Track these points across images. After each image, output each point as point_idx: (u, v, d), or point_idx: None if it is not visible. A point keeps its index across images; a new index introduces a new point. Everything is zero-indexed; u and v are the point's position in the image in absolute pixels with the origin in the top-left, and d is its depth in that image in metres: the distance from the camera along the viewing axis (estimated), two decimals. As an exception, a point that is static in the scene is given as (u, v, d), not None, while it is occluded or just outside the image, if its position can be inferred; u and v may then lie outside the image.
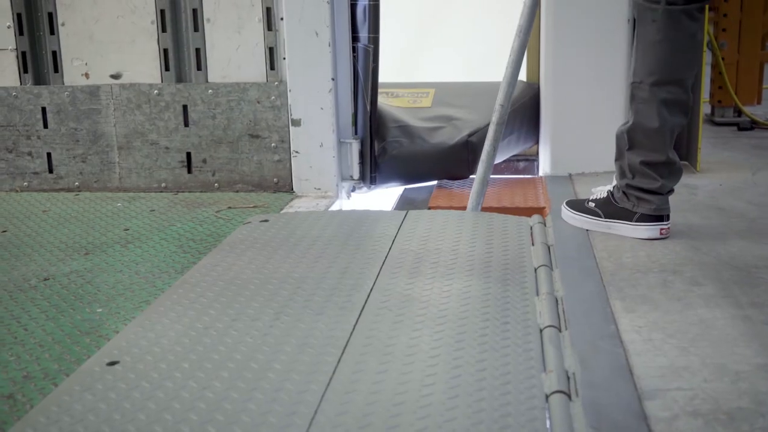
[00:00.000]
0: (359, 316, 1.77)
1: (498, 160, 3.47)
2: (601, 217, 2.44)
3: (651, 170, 2.32)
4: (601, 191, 2.50)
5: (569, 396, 1.45)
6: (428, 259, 2.13)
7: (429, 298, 1.86)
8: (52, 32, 3.16)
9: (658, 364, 1.60)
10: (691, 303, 1.91)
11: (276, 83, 3.01)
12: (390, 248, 2.23)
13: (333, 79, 2.90)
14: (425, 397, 1.40)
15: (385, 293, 1.89)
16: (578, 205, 2.52)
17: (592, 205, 2.47)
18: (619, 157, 2.41)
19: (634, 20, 2.36)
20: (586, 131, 3.35)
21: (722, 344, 1.68)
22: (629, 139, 2.35)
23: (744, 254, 2.23)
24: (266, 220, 2.49)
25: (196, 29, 3.08)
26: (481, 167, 2.62)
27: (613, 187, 2.44)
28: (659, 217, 2.35)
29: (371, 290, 1.91)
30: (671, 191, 2.38)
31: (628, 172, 2.37)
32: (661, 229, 2.35)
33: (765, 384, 1.50)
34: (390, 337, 1.65)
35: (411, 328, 1.69)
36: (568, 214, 2.54)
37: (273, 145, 3.04)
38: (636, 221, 2.36)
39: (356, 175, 3.03)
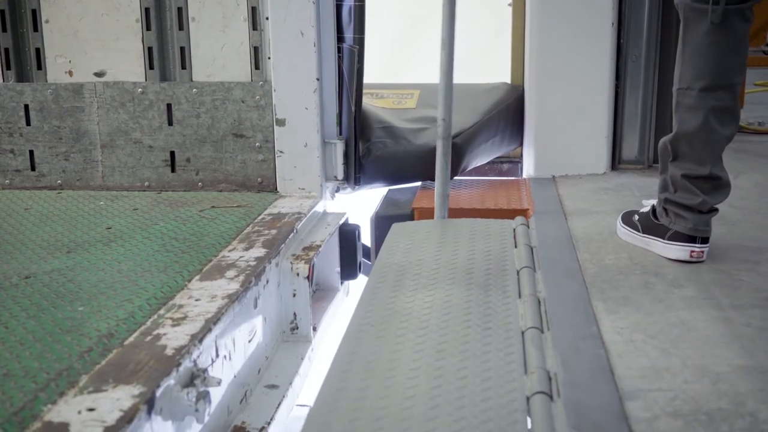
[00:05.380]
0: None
1: (482, 161, 3.48)
2: (639, 231, 2.35)
3: (692, 184, 2.17)
4: (649, 203, 2.38)
5: (551, 396, 1.46)
6: (411, 271, 2.12)
7: (411, 310, 1.86)
8: (35, 29, 3.14)
9: (639, 365, 1.61)
10: (672, 305, 1.92)
11: (261, 83, 3.01)
12: (373, 263, 2.22)
13: (318, 79, 2.89)
14: (406, 410, 1.40)
15: (367, 309, 1.88)
16: (627, 217, 2.43)
17: (636, 218, 2.37)
18: (662, 170, 2.27)
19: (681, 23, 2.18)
20: (570, 134, 3.36)
21: (703, 346, 1.70)
22: (673, 150, 2.21)
23: (725, 257, 2.25)
24: None
25: (180, 28, 3.07)
26: (438, 182, 2.61)
27: (656, 201, 2.33)
28: (693, 237, 2.19)
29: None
30: (714, 210, 2.21)
31: (671, 186, 2.23)
32: (692, 251, 2.20)
33: (745, 385, 1.52)
34: (372, 353, 1.64)
35: (393, 342, 1.68)
36: (618, 226, 2.46)
37: (257, 144, 3.04)
38: (668, 239, 2.23)
39: (340, 175, 3.02)
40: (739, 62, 2.14)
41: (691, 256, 2.20)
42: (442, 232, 2.45)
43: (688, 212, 2.19)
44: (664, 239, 2.25)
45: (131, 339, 1.71)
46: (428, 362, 1.58)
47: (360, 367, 1.57)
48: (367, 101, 3.32)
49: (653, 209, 2.33)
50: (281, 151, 2.97)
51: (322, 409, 1.42)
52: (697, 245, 2.20)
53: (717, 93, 2.12)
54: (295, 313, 2.41)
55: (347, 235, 2.90)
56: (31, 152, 3.17)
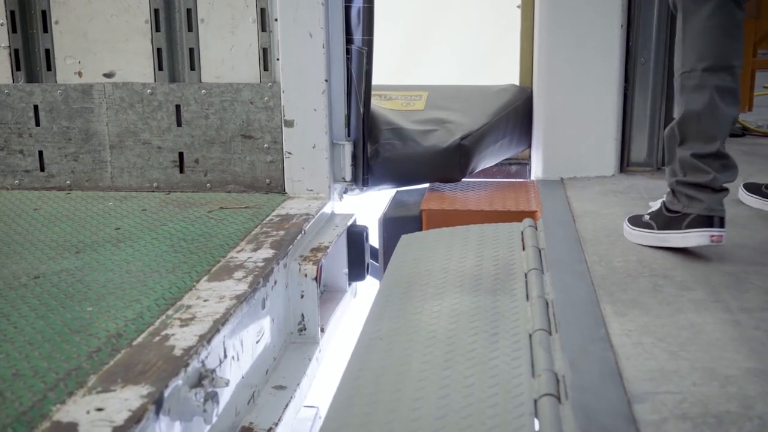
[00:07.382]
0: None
1: (490, 163, 3.48)
2: (654, 228, 2.34)
3: (702, 163, 2.20)
4: (656, 203, 2.40)
5: (559, 398, 1.45)
6: (419, 282, 2.12)
7: (418, 321, 1.85)
8: (45, 30, 3.15)
9: (647, 367, 1.61)
10: (681, 307, 1.91)
11: (269, 84, 3.01)
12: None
13: (326, 81, 2.89)
14: (414, 422, 1.40)
15: (376, 324, 1.88)
16: (635, 220, 2.43)
17: (647, 218, 2.38)
18: (670, 159, 2.30)
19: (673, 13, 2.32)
20: (578, 136, 3.36)
21: (712, 348, 1.69)
22: (680, 133, 2.25)
23: (734, 259, 2.24)
24: None
25: (189, 29, 3.08)
26: None
27: (666, 194, 2.34)
28: (710, 220, 2.19)
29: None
30: (725, 190, 2.23)
31: (680, 170, 2.25)
32: (712, 236, 2.17)
33: (753, 388, 1.51)
34: (381, 367, 1.64)
35: (401, 354, 1.68)
36: (627, 230, 2.45)
37: (265, 145, 3.04)
38: (685, 228, 2.23)
39: (348, 176, 3.02)
40: (737, 47, 2.24)
41: (712, 240, 2.18)
42: (450, 240, 2.44)
43: (701, 192, 2.21)
44: (681, 229, 2.24)
45: (139, 339, 1.71)
46: (435, 372, 1.58)
47: (369, 381, 1.57)
48: (375, 103, 3.32)
49: (664, 204, 2.33)
50: (290, 153, 2.98)
51: (331, 425, 1.43)
52: (716, 229, 2.19)
53: (719, 74, 2.21)
54: (302, 314, 2.41)
55: (355, 236, 2.90)
56: (41, 153, 3.18)
